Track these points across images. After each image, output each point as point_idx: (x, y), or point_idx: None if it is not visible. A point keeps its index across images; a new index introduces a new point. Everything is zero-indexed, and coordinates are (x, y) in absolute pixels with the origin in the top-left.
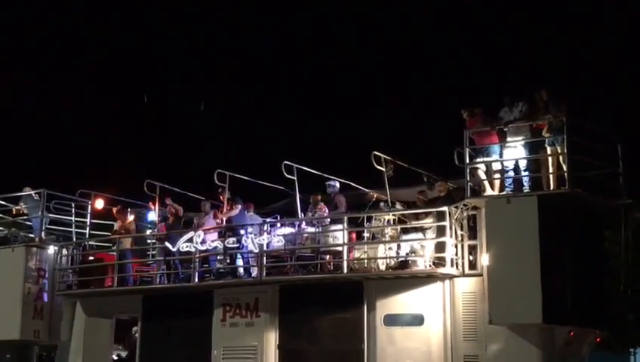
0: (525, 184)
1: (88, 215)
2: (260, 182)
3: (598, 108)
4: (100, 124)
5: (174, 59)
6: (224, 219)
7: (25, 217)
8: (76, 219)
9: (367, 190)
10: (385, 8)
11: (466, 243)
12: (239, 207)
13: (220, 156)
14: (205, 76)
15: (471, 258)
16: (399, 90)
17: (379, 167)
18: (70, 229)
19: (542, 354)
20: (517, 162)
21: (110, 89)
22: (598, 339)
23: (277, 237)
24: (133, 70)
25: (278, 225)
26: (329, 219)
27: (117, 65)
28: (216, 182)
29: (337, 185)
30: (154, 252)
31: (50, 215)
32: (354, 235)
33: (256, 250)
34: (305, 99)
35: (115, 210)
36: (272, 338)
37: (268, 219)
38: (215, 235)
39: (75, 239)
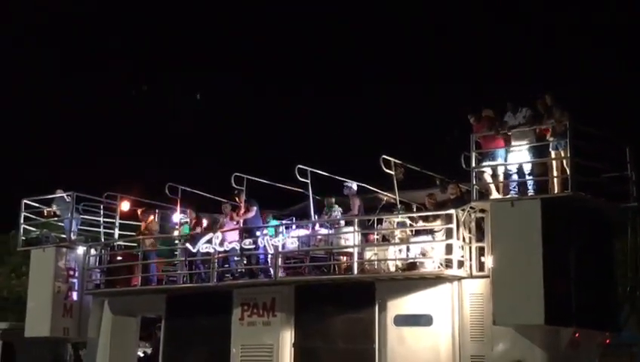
0: (530, 188)
1: (116, 216)
2: (277, 184)
3: (607, 111)
4: (123, 131)
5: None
6: (241, 221)
7: (56, 218)
8: (104, 220)
9: (383, 193)
10: (393, 8)
11: (474, 245)
12: (254, 208)
13: (238, 158)
14: (228, 86)
15: (482, 259)
16: (414, 93)
17: (388, 171)
18: (98, 230)
19: (547, 354)
20: (521, 166)
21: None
22: (608, 341)
23: (291, 238)
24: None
25: (293, 227)
26: (342, 221)
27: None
28: (233, 185)
29: (354, 186)
30: (177, 252)
31: (80, 216)
32: (372, 237)
33: (272, 251)
34: (322, 104)
35: (140, 211)
36: (287, 337)
37: (283, 221)
38: (235, 236)
39: (102, 240)
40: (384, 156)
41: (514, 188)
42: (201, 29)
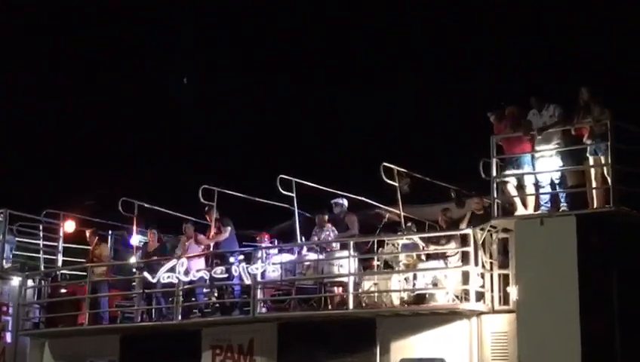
0: (563, 201)
1: (58, 239)
2: (255, 199)
3: None
4: (65, 131)
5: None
6: (211, 244)
7: None
8: (44, 243)
9: (386, 208)
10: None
11: (496, 272)
12: (229, 229)
13: (208, 167)
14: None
15: (507, 290)
16: (418, 85)
17: (390, 182)
18: (37, 256)
19: None
20: (553, 175)
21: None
22: None
23: (273, 265)
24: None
25: (275, 251)
26: (337, 245)
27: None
28: (202, 200)
29: (345, 203)
30: (134, 283)
31: (15, 239)
32: (372, 263)
33: (249, 281)
34: (308, 103)
35: (88, 232)
36: None
37: (263, 244)
38: (203, 263)
39: (42, 268)
40: (385, 164)
41: (545, 202)
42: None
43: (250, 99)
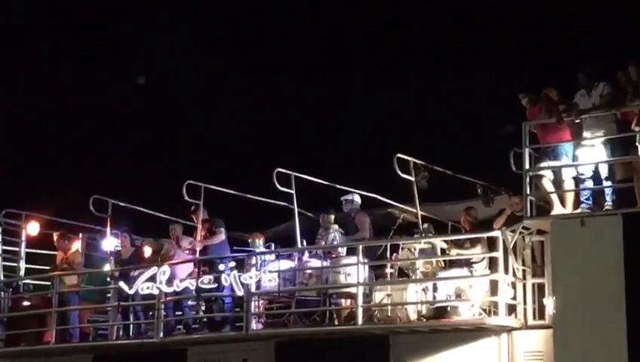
0: (608, 198)
1: (20, 243)
2: (249, 196)
3: None
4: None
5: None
6: (197, 249)
7: None
8: (3, 248)
9: (401, 206)
10: None
11: (529, 281)
12: (222, 231)
13: (193, 160)
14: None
15: (544, 302)
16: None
17: (405, 176)
18: None
19: None
20: (597, 168)
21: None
22: None
23: (269, 274)
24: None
25: (272, 257)
26: (344, 250)
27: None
28: (186, 197)
29: (358, 199)
30: (109, 294)
31: None
32: (385, 271)
33: (240, 293)
34: (311, 82)
35: (55, 236)
36: None
37: (258, 250)
38: (188, 271)
39: (1, 277)
40: (399, 155)
41: (587, 199)
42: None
43: (245, 89)
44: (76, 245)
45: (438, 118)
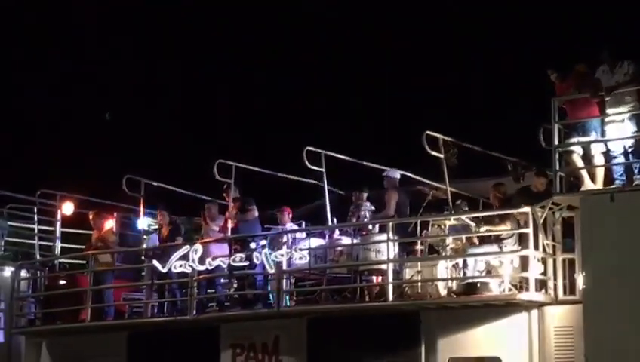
0: (638, 174)
1: (56, 223)
2: (278, 174)
3: None
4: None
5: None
6: (229, 227)
7: None
8: (39, 228)
9: (432, 183)
10: None
11: (559, 257)
12: (253, 210)
13: (225, 140)
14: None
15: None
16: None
17: (435, 153)
18: (32, 242)
19: None
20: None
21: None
22: None
23: (300, 252)
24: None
25: (303, 234)
26: (375, 227)
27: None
28: (217, 176)
29: (397, 175)
30: (144, 273)
31: (7, 224)
32: (415, 248)
33: (272, 270)
34: (341, 59)
35: (91, 214)
36: None
37: (288, 227)
38: (222, 250)
39: (38, 256)
40: (428, 132)
41: (620, 175)
42: None
43: (276, 67)
44: (109, 224)
45: (467, 94)
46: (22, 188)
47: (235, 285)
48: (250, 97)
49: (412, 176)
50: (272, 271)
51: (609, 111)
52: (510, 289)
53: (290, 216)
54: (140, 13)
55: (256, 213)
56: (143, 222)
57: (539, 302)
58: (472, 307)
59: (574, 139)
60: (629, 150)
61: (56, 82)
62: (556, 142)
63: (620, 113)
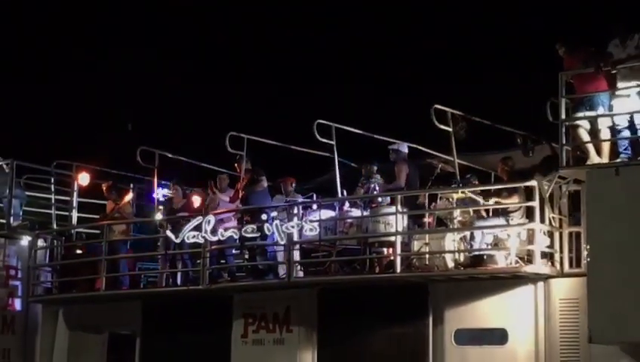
0: None
1: (72, 193)
2: (291, 147)
3: None
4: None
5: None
6: (239, 197)
7: None
8: (56, 198)
9: (441, 156)
10: None
11: (566, 230)
12: (263, 180)
13: (236, 112)
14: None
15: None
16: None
17: (443, 127)
18: (49, 212)
19: None
20: (632, 118)
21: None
22: None
23: (311, 223)
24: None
25: (314, 206)
26: (385, 200)
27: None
28: (229, 148)
29: (404, 148)
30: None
31: (24, 194)
32: (424, 220)
33: (283, 241)
34: (351, 34)
35: (105, 186)
36: (307, 360)
37: (299, 199)
38: (233, 221)
39: (55, 226)
40: (437, 106)
41: (625, 149)
42: None
43: (286, 43)
44: (128, 197)
45: (475, 67)
46: (38, 159)
47: (247, 256)
48: (262, 70)
49: (421, 148)
50: (282, 242)
51: (620, 84)
52: (517, 262)
53: (294, 185)
54: None
55: (266, 184)
56: (158, 193)
57: (545, 275)
58: (479, 279)
59: (581, 114)
60: (638, 126)
61: (71, 51)
62: (563, 117)
63: (629, 87)
